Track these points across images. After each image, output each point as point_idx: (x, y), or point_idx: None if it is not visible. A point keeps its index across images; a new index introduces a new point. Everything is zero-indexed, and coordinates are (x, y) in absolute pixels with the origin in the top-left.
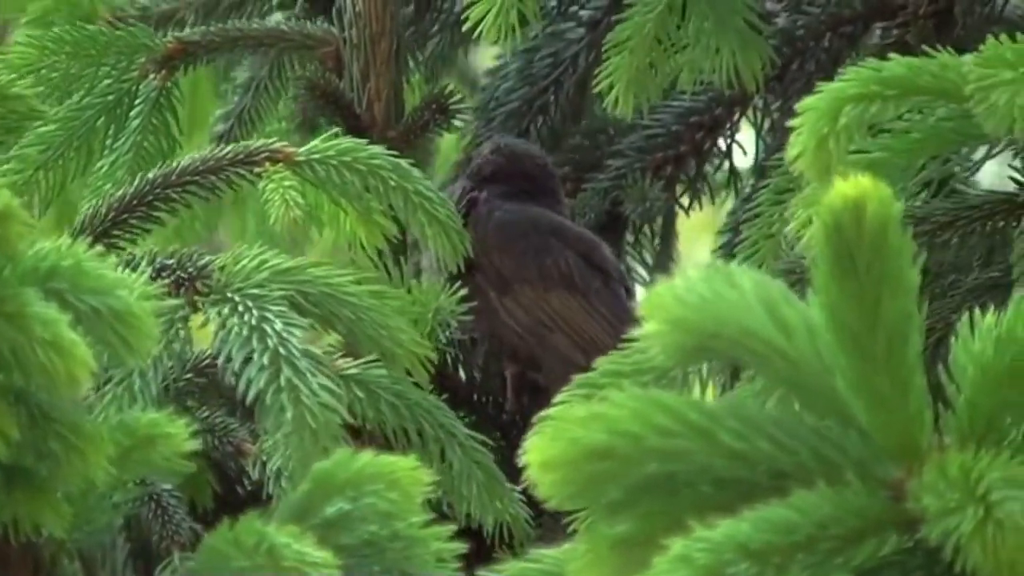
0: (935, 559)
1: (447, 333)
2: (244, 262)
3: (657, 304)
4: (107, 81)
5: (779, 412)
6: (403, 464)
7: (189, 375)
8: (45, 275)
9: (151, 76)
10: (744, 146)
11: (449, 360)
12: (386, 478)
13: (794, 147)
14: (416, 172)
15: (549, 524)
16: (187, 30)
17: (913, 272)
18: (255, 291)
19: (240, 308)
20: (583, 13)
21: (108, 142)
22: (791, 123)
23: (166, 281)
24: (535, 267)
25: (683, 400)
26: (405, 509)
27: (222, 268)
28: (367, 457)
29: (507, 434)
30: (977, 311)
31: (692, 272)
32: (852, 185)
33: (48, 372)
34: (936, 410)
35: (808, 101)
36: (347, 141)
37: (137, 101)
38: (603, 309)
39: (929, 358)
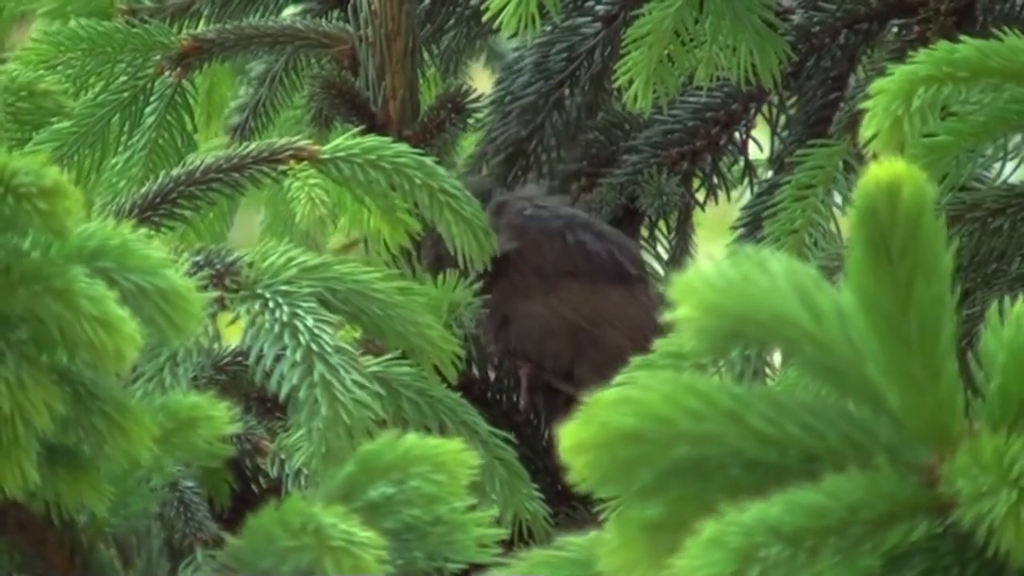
0: (966, 544)
1: (461, 330)
2: (272, 259)
3: (688, 288)
4: (122, 78)
5: (810, 397)
6: (450, 446)
7: (210, 372)
8: (91, 254)
9: (166, 73)
10: (759, 142)
11: (465, 357)
12: (432, 460)
13: (868, 128)
14: (441, 170)
15: (564, 523)
16: (203, 22)
17: (947, 256)
18: (285, 288)
19: (271, 305)
20: (599, 8)
21: (123, 139)
22: (863, 105)
23: (195, 277)
24: (580, 257)
25: (714, 384)
26: (451, 492)
27: (250, 265)
28: (413, 439)
29: (521, 433)
30: (1007, 299)
31: (722, 257)
32: (887, 169)
33: (95, 348)
34: (967, 397)
35: (880, 83)
36: (372, 139)
37: (152, 98)
38: (647, 301)
39: (969, 347)
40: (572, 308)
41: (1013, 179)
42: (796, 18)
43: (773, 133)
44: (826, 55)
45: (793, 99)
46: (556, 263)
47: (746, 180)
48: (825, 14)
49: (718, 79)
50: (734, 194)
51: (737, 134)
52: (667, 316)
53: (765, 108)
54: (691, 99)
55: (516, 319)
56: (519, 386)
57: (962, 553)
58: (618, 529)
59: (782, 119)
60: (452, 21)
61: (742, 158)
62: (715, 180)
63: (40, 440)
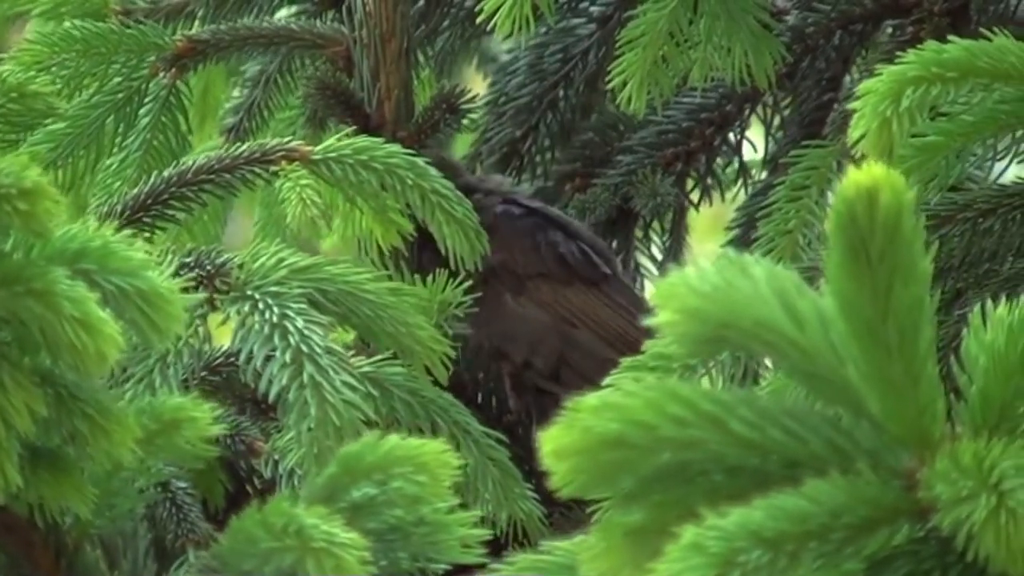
0: (947, 548)
1: (452, 330)
2: (262, 260)
3: (670, 293)
4: (117, 79)
5: (792, 401)
6: (431, 447)
7: (203, 373)
8: (73, 256)
9: (161, 74)
10: (754, 142)
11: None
12: (414, 461)
13: (856, 129)
14: (433, 171)
15: (559, 522)
16: (197, 24)
17: (926, 261)
18: (275, 289)
19: (260, 306)
20: (593, 9)
21: (118, 140)
22: (851, 106)
23: (185, 279)
24: (551, 257)
25: (696, 389)
26: (433, 492)
27: (240, 266)
28: (395, 440)
29: (511, 434)
30: (990, 302)
31: (704, 262)
32: (865, 174)
33: (77, 350)
34: (948, 400)
35: (868, 83)
36: (363, 140)
37: (147, 99)
38: (621, 300)
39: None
40: (543, 310)
41: (1004, 179)
42: (790, 19)
43: (768, 134)
44: (820, 56)
45: (788, 100)
46: (527, 265)
47: (740, 181)
48: (819, 15)
49: (712, 80)
50: (729, 194)
51: (731, 135)
52: (644, 316)
53: (760, 109)
54: (685, 100)
55: (497, 320)
56: (504, 386)
57: (943, 557)
58: (601, 534)
59: (776, 120)
60: (447, 23)
61: (736, 159)
62: (709, 181)
63: (22, 442)
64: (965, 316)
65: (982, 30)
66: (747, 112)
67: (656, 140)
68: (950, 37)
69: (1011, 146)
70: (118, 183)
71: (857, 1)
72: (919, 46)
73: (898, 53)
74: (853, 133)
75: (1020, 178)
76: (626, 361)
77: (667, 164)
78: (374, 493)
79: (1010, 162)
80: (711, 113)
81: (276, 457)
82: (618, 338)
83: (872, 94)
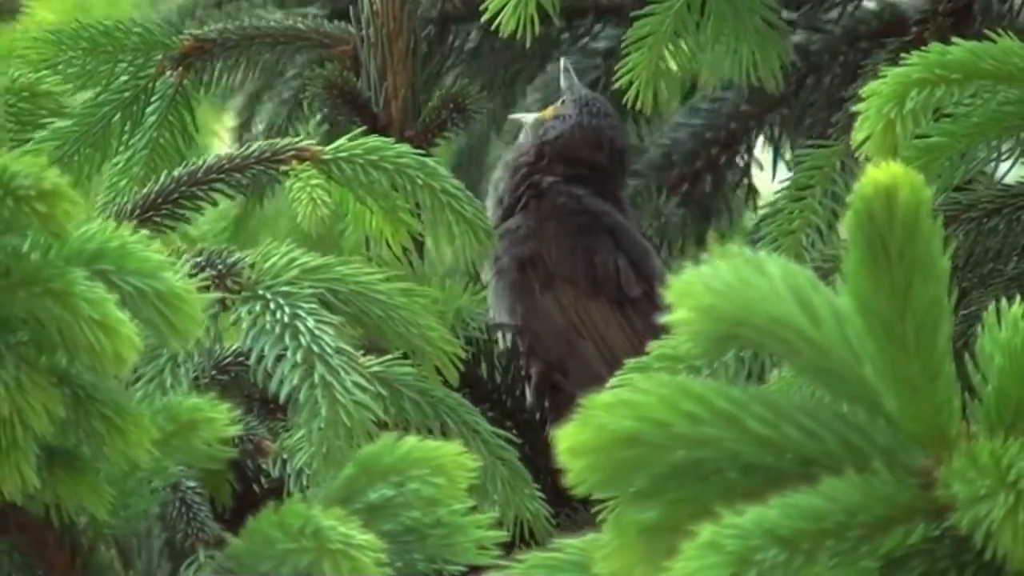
0: (962, 547)
1: (470, 327)
2: (274, 260)
3: (685, 291)
4: (124, 78)
5: (807, 399)
6: (448, 449)
7: (212, 372)
8: (91, 256)
9: (168, 73)
10: (761, 162)
11: (471, 355)
12: (431, 463)
13: (860, 131)
14: (443, 170)
15: (566, 523)
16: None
17: (944, 259)
18: (286, 289)
19: (272, 306)
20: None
21: (124, 138)
22: (855, 108)
23: (196, 279)
24: (583, 264)
25: (710, 387)
26: (450, 494)
27: (252, 266)
28: (412, 442)
29: (524, 432)
30: (1004, 300)
31: (719, 259)
32: (884, 172)
33: (95, 351)
34: (964, 399)
35: (872, 86)
36: (373, 139)
37: (153, 98)
38: (638, 324)
39: (965, 347)
40: (560, 311)
41: (1008, 179)
42: (796, 37)
43: (776, 153)
44: (827, 72)
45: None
46: (560, 266)
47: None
48: (825, 35)
49: (715, 101)
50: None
51: (739, 157)
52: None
53: (767, 129)
54: (690, 122)
55: (524, 310)
56: (528, 383)
57: (959, 556)
58: (615, 532)
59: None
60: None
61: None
62: (717, 202)
63: (39, 443)
64: (970, 316)
65: (986, 31)
66: (754, 132)
67: (662, 162)
68: (954, 39)
69: (1015, 147)
70: (124, 181)
71: (863, 21)
72: (923, 48)
73: (902, 54)
74: (857, 135)
75: None
76: (631, 363)
77: (673, 186)
78: (391, 494)
79: (1014, 162)
80: (716, 132)
81: (284, 456)
82: (616, 358)
83: (876, 96)
